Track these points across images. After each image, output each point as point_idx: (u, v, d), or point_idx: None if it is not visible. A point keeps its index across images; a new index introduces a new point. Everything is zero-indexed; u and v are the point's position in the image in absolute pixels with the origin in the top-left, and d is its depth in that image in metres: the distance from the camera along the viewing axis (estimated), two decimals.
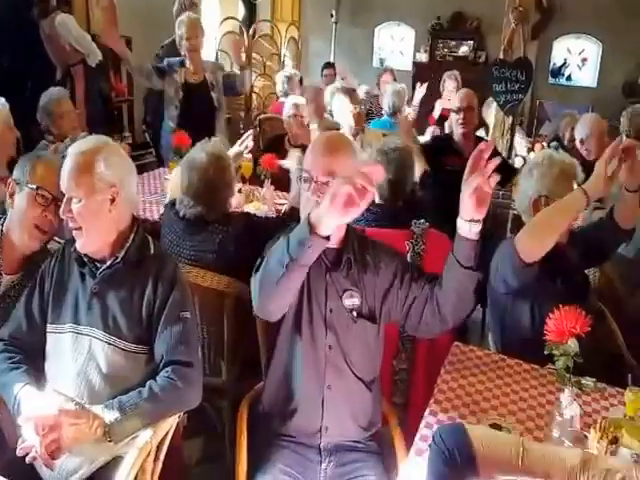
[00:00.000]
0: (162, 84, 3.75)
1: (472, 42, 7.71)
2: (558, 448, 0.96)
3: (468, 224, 1.38)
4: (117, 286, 1.56)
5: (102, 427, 1.42)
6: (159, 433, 1.51)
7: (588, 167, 3.21)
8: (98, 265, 1.57)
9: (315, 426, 1.61)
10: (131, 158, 1.64)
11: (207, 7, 6.41)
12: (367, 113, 4.87)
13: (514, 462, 0.89)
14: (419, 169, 2.83)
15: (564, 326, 1.51)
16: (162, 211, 2.51)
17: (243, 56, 3.88)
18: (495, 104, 4.74)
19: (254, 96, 6.00)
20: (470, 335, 2.91)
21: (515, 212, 2.28)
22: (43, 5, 4.53)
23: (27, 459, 1.36)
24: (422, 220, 2.28)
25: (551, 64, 7.60)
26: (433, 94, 5.62)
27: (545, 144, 4.83)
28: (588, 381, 1.62)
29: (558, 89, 7.53)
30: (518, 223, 2.07)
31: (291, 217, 2.22)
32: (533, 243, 1.73)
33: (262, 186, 3.22)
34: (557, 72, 7.65)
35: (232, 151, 2.53)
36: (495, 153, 3.60)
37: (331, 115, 4.20)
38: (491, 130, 4.73)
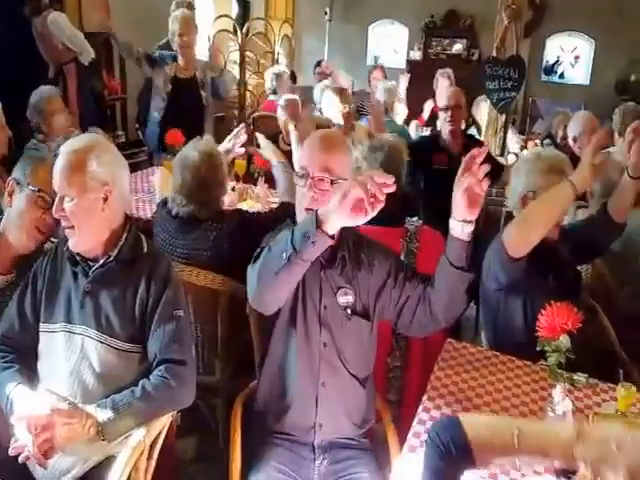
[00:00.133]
0: (152, 72, 3.76)
1: (465, 40, 7.73)
2: (551, 424, 0.95)
3: (460, 224, 1.39)
4: (110, 285, 1.55)
5: (95, 426, 1.42)
6: (152, 432, 1.50)
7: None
8: (91, 264, 1.57)
9: (309, 423, 1.61)
10: (124, 156, 1.64)
11: (201, 5, 6.40)
12: (357, 110, 4.87)
13: (510, 445, 0.89)
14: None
15: (556, 322, 1.51)
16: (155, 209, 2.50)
17: (222, 61, 3.85)
18: (485, 103, 4.76)
19: (248, 94, 5.98)
20: (463, 332, 2.91)
21: (508, 210, 2.29)
22: (35, 3, 4.51)
23: (20, 459, 1.35)
24: (415, 218, 2.29)
25: (544, 62, 7.63)
26: (426, 92, 5.63)
27: (538, 142, 4.85)
28: (580, 377, 1.63)
29: (551, 87, 7.56)
30: (510, 221, 2.08)
31: (285, 211, 2.22)
32: (520, 237, 1.73)
33: (256, 184, 3.22)
34: (550, 70, 7.68)
35: (221, 147, 2.53)
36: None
37: (320, 112, 4.17)
38: (484, 128, 4.74)
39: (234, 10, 7.59)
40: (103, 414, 1.43)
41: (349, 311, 1.59)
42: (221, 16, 6.22)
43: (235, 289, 2.04)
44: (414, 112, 5.24)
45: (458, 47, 7.79)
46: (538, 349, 1.57)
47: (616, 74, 7.10)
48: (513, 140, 4.84)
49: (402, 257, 2.12)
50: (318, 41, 7.85)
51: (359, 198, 1.16)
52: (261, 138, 2.72)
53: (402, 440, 1.53)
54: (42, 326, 1.59)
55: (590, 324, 1.78)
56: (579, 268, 2.20)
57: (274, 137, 3.75)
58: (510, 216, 2.12)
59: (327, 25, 7.74)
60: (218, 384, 2.22)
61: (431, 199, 3.11)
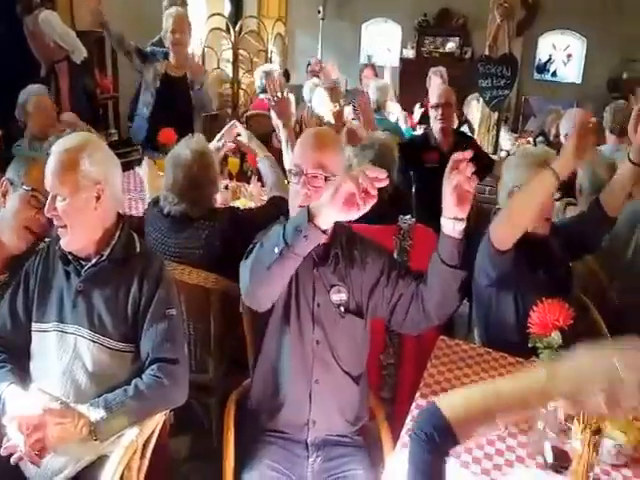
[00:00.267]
0: (142, 67, 3.75)
1: (458, 38, 7.76)
2: (521, 375, 0.93)
3: (451, 222, 1.39)
4: (102, 284, 1.55)
5: (88, 426, 1.41)
6: (145, 431, 1.50)
7: None
8: (83, 263, 1.56)
9: (302, 421, 1.61)
10: (117, 155, 1.63)
11: (193, 3, 6.37)
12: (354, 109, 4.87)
13: (489, 409, 0.88)
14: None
15: (548, 319, 1.52)
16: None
17: (203, 75, 3.82)
18: (476, 101, 4.78)
19: (241, 92, 5.97)
20: (456, 329, 2.93)
21: (498, 207, 2.30)
22: (26, 2, 4.48)
23: (12, 460, 1.35)
24: (408, 216, 2.29)
25: (536, 60, 7.66)
26: (419, 90, 5.65)
27: (531, 139, 4.87)
28: None
29: (543, 85, 7.59)
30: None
31: (276, 206, 2.22)
32: (503, 228, 1.73)
33: (249, 182, 3.22)
34: (542, 68, 7.71)
35: (212, 145, 2.52)
36: (474, 148, 3.62)
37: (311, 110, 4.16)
38: (476, 126, 4.76)
39: (227, 8, 7.57)
40: (96, 413, 1.43)
41: (342, 309, 1.59)
42: (214, 14, 6.20)
43: (228, 287, 2.04)
44: (408, 111, 5.25)
45: (451, 45, 7.81)
46: (530, 346, 1.58)
47: (608, 72, 7.14)
48: (505, 138, 4.87)
49: (395, 255, 2.13)
50: (311, 39, 7.85)
51: (351, 192, 1.16)
52: (241, 129, 2.70)
53: (395, 437, 1.54)
54: (34, 326, 1.58)
55: (581, 320, 1.79)
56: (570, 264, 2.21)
57: (267, 135, 3.75)
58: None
59: (320, 23, 7.73)
60: (211, 382, 2.22)
61: (423, 197, 3.13)
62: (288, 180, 1.63)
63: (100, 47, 5.38)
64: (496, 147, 4.63)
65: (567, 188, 2.72)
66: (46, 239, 1.83)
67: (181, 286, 1.95)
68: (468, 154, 1.32)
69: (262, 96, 4.83)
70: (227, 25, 6.09)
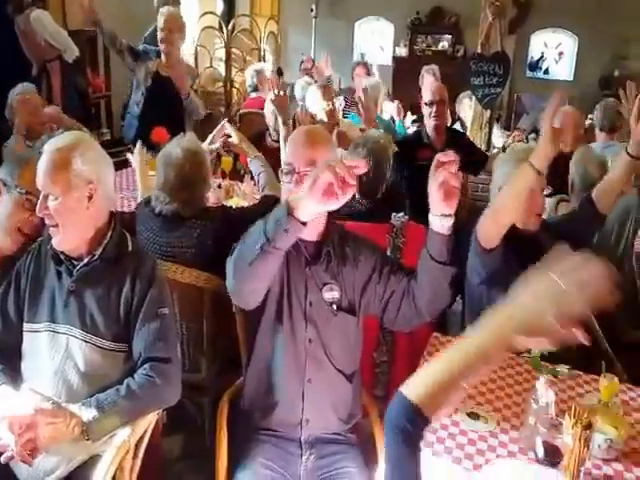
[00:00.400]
0: (134, 65, 3.73)
1: (451, 37, 7.78)
2: (471, 335, 0.92)
3: (439, 219, 1.40)
4: (94, 284, 1.55)
5: (80, 426, 1.41)
6: (137, 431, 1.50)
7: (564, 158, 3.27)
8: (75, 263, 1.56)
9: (296, 419, 1.61)
10: (109, 154, 1.63)
11: (186, 1, 6.35)
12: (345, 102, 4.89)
13: (453, 376, 0.87)
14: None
15: None
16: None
17: (187, 84, 3.81)
18: (468, 99, 4.79)
19: (234, 91, 5.96)
20: (450, 326, 2.93)
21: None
22: (18, 1, 4.46)
23: (2, 459, 1.34)
24: (401, 214, 2.30)
25: (528, 58, 7.70)
26: (412, 88, 5.65)
27: (524, 137, 4.89)
28: (563, 369, 1.65)
29: (535, 82, 7.63)
30: None
31: (268, 205, 2.22)
32: (489, 226, 1.74)
33: (242, 181, 3.21)
34: (534, 66, 7.75)
35: (205, 145, 2.53)
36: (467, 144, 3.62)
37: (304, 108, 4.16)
38: (469, 124, 4.77)
39: (219, 7, 7.55)
40: (88, 413, 1.43)
41: (335, 307, 1.59)
42: (206, 13, 6.19)
43: (220, 286, 2.02)
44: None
45: (443, 44, 7.84)
46: None
47: (600, 70, 7.18)
48: (498, 135, 4.88)
49: (388, 253, 2.13)
50: (304, 38, 7.84)
51: (329, 182, 1.16)
52: (229, 128, 2.70)
53: None
54: (26, 326, 1.58)
55: None
56: None
57: (261, 134, 3.75)
58: None
59: (313, 22, 7.72)
60: (204, 382, 2.22)
61: (416, 195, 3.13)
62: (279, 180, 1.62)
63: (92, 46, 5.36)
64: (489, 145, 4.65)
65: (560, 184, 2.74)
66: (38, 239, 1.83)
67: (174, 285, 1.95)
68: (455, 156, 1.33)
69: (253, 95, 4.83)
70: (220, 24, 6.08)
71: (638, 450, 1.45)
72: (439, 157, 1.33)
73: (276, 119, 3.58)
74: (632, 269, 2.63)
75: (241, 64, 6.21)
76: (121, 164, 3.63)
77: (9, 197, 1.73)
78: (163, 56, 3.70)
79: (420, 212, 2.04)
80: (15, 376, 1.56)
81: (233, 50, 5.91)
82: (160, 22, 3.65)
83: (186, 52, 4.71)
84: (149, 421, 1.56)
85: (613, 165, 2.06)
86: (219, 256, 1.91)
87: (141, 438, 1.54)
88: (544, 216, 2.70)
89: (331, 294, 1.60)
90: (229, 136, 2.68)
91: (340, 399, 1.66)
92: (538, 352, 1.55)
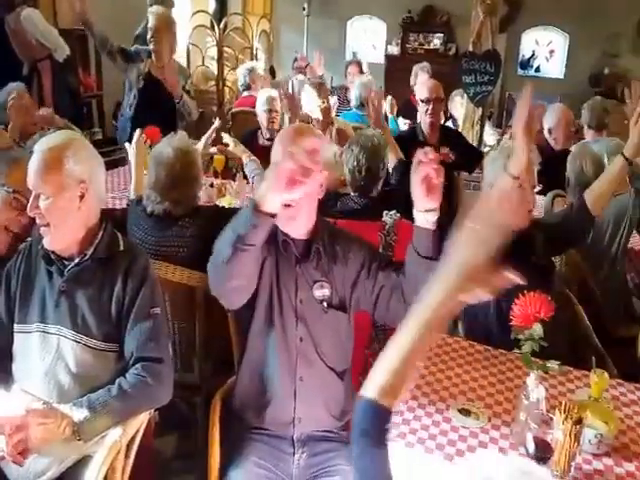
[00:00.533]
0: (125, 67, 3.71)
1: (442, 35, 7.80)
2: (415, 310, 0.93)
3: (422, 214, 1.41)
4: (86, 284, 1.54)
5: (71, 426, 1.41)
6: (129, 431, 1.50)
7: (555, 156, 3.28)
8: (66, 263, 1.55)
9: (288, 418, 1.62)
10: (100, 154, 1.62)
11: (178, 0, 6.34)
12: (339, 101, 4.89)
13: (406, 364, 0.87)
14: (393, 158, 2.85)
15: (529, 311, 1.54)
16: None
17: (179, 87, 3.80)
18: (460, 97, 4.80)
19: (226, 90, 5.95)
20: None
21: None
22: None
23: None
24: (394, 211, 2.30)
25: (520, 56, 7.72)
26: (404, 86, 5.67)
27: None
28: (553, 364, 1.65)
29: (527, 80, 7.61)
30: None
31: None
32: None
33: (234, 180, 3.21)
34: (526, 64, 7.78)
35: (199, 146, 2.53)
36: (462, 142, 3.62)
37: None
38: (461, 122, 4.79)
39: (211, 5, 7.53)
40: (79, 413, 1.42)
41: (325, 304, 1.59)
42: (198, 11, 6.18)
43: None
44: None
45: (435, 42, 7.86)
46: (512, 337, 1.60)
47: (590, 67, 7.21)
48: (489, 133, 4.90)
49: (380, 250, 2.14)
50: (296, 36, 7.84)
51: (291, 170, 1.19)
52: (227, 137, 2.72)
53: None
54: (17, 327, 1.57)
55: (563, 312, 1.81)
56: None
57: (253, 133, 3.74)
58: None
59: (305, 20, 7.72)
60: (197, 381, 2.21)
61: (409, 192, 3.13)
62: None
63: (83, 45, 5.32)
64: (480, 142, 4.66)
65: (555, 181, 2.76)
66: (28, 239, 1.82)
67: (166, 285, 1.95)
68: (433, 153, 1.33)
69: (245, 94, 4.83)
70: (212, 22, 6.07)
71: (628, 445, 1.46)
72: (419, 156, 1.34)
73: (269, 119, 3.61)
74: (624, 267, 2.65)
75: (233, 63, 6.21)
76: (112, 163, 3.62)
77: None
78: (153, 55, 3.68)
79: (412, 208, 2.05)
80: (6, 377, 1.55)
81: (225, 49, 5.91)
82: (149, 21, 3.64)
83: (178, 51, 4.69)
84: (141, 421, 1.55)
85: (608, 169, 2.09)
86: (211, 255, 1.92)
87: (133, 438, 1.54)
88: (540, 212, 2.72)
89: (321, 292, 1.60)
90: (227, 145, 2.71)
91: (332, 397, 1.66)
92: (529, 349, 1.56)
